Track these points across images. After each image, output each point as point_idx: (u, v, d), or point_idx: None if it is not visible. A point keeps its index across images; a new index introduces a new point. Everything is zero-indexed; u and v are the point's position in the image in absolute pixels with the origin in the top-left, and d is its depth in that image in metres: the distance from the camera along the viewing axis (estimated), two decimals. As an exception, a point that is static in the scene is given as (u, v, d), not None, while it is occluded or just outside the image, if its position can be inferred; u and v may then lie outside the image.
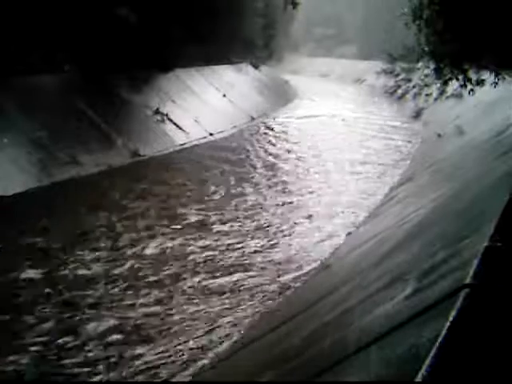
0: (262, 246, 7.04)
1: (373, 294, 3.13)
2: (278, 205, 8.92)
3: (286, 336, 3.75)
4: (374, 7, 39.54)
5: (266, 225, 7.87)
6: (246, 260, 6.53)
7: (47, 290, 5.40)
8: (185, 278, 5.89)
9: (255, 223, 7.87)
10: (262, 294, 5.64)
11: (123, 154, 11.26)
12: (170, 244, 6.85)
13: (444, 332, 1.77)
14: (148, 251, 6.61)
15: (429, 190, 6.73)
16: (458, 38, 8.36)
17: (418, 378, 1.60)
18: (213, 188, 9.62)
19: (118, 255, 6.41)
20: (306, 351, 2.98)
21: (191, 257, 6.50)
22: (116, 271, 5.96)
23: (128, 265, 6.14)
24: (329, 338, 2.86)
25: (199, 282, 5.82)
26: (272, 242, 7.17)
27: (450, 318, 1.84)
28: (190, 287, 5.68)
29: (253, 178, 10.69)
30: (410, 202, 6.86)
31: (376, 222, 7.18)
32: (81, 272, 5.90)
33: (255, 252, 6.80)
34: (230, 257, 6.58)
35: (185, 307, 5.26)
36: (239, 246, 6.96)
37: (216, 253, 6.66)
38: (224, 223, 7.77)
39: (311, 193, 9.80)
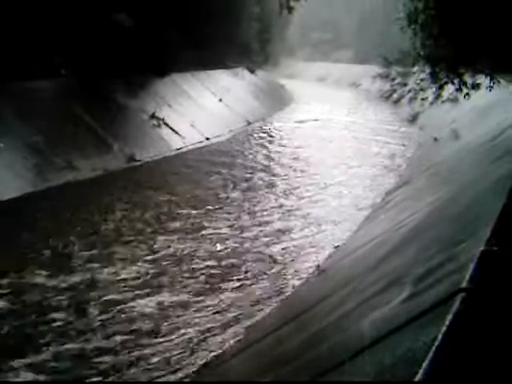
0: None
1: (369, 298, 3.13)
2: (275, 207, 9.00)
3: (285, 339, 3.75)
4: (369, 12, 39.75)
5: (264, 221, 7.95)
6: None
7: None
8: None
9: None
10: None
11: (119, 158, 11.24)
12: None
13: (440, 336, 1.77)
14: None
15: (425, 193, 6.74)
16: (454, 42, 8.38)
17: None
18: (209, 192, 9.64)
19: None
20: (304, 355, 2.97)
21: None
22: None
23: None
24: (327, 342, 2.86)
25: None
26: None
27: (447, 322, 1.84)
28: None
29: (247, 181, 10.74)
30: (406, 205, 6.87)
31: (372, 225, 7.19)
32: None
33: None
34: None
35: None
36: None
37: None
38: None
39: (308, 197, 9.87)
